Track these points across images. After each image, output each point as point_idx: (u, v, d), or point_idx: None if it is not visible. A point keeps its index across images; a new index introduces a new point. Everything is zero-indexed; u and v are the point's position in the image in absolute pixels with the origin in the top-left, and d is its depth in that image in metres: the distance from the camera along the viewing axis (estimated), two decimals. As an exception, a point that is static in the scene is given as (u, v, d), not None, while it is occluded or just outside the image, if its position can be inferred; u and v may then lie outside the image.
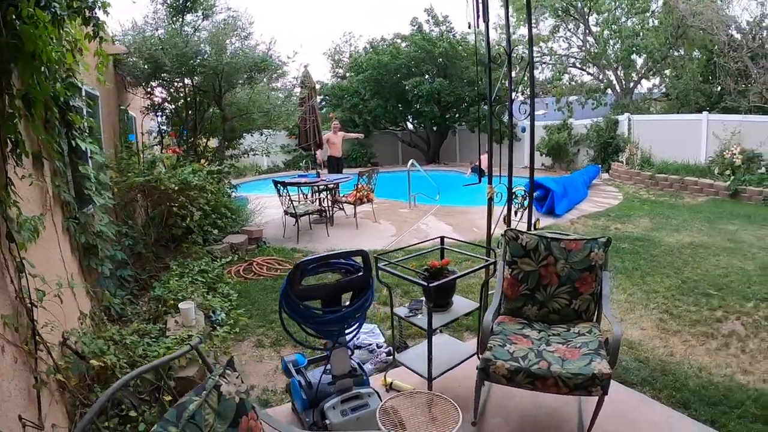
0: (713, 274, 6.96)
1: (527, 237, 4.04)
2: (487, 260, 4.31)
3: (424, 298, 4.09)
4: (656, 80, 25.31)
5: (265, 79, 10.78)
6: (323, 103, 25.57)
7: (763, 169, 13.31)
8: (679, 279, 6.78)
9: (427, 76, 22.67)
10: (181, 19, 9.63)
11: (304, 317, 3.25)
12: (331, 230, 10.41)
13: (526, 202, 9.33)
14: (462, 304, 4.32)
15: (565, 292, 3.88)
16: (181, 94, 9.90)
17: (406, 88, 21.11)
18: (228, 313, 5.70)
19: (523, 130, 19.73)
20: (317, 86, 25.79)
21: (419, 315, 4.02)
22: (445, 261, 4.17)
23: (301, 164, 23.81)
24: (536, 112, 18.07)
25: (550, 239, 4.02)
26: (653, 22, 21.73)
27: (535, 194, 10.49)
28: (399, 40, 23.33)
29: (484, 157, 17.41)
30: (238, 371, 2.15)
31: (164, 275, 6.45)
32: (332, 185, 10.99)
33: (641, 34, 20.74)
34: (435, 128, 25.07)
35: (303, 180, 11.15)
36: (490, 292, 4.34)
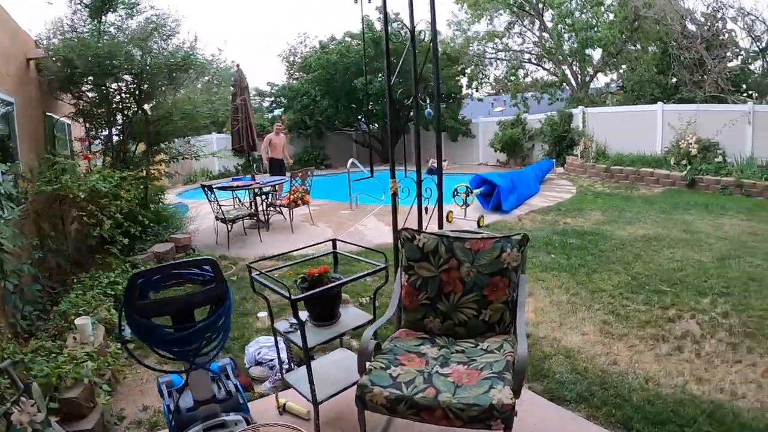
0: (667, 268, 6.36)
1: (425, 237, 3.29)
2: (376, 265, 3.56)
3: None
4: (614, 75, 25.15)
5: (188, 80, 9.87)
6: (274, 105, 24.75)
7: (720, 158, 12.97)
8: (629, 275, 6.14)
9: (380, 75, 21.90)
10: (98, 20, 8.85)
11: (150, 336, 2.81)
12: (266, 235, 9.76)
13: (469, 199, 8.76)
14: (353, 316, 3.64)
15: (471, 301, 3.14)
16: (109, 98, 9.13)
17: (357, 86, 20.29)
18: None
19: (429, 115, 19.04)
20: (272, 89, 25.07)
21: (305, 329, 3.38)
22: (324, 268, 3.49)
23: (237, 167, 23.05)
24: (494, 109, 17.77)
25: (453, 239, 3.27)
26: (608, 16, 21.42)
27: (481, 190, 9.91)
28: (349, 39, 22.51)
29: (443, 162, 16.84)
30: (35, 399, 1.88)
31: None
32: (267, 188, 10.51)
33: (596, 27, 20.33)
34: (393, 127, 24.41)
35: (235, 184, 10.59)
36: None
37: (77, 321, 4.47)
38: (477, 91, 25.48)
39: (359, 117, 23.06)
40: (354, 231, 9.68)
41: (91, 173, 7.31)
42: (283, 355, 3.83)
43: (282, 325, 3.56)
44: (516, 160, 19.38)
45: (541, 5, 23.26)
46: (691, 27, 17.51)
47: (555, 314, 5.15)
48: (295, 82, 24.20)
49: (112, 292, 5.86)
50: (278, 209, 10.47)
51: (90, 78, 8.46)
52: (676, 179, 12.93)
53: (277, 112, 26.06)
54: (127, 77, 8.87)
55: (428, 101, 4.83)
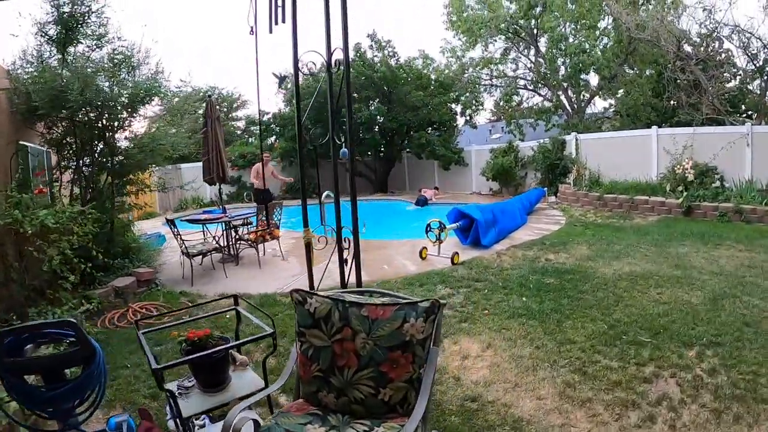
0: (651, 313, 5.69)
1: (317, 301, 2.70)
2: (265, 330, 3.04)
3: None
4: (612, 100, 24.68)
5: (150, 111, 9.52)
6: (266, 133, 24.37)
7: (718, 183, 12.39)
8: (606, 322, 5.47)
9: (372, 104, 21.48)
10: (61, 53, 8.63)
11: (21, 395, 2.82)
12: (233, 270, 9.35)
13: (442, 235, 8.15)
14: (247, 381, 3.27)
15: (367, 378, 2.54)
16: (74, 130, 8.83)
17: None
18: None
19: (344, 154, 18.52)
20: (263, 116, 24.68)
21: (191, 395, 3.23)
22: (205, 331, 3.11)
23: (229, 195, 22.61)
24: (492, 136, 17.23)
25: (349, 304, 2.66)
26: (603, 39, 21.04)
27: (459, 224, 9.31)
28: (340, 67, 22.13)
29: (429, 192, 16.16)
30: None
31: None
32: (237, 221, 10.06)
33: (588, 51, 19.91)
34: (382, 155, 23.92)
35: (204, 217, 10.31)
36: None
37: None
38: (471, 118, 25.01)
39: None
40: (321, 268, 9.07)
41: (50, 206, 7.02)
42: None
43: (173, 386, 3.24)
44: (509, 189, 18.80)
45: (535, 30, 22.88)
46: (687, 48, 17.04)
47: (512, 372, 4.49)
48: (286, 110, 23.76)
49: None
50: (249, 243, 9.94)
51: (45, 111, 8.11)
52: (672, 207, 12.34)
53: (270, 141, 25.71)
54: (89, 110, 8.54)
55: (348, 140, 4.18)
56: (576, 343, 4.95)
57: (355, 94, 20.56)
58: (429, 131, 22.52)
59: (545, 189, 16.01)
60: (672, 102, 17.99)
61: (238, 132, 31.26)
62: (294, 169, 23.65)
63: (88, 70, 8.02)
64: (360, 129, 20.36)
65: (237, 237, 10.00)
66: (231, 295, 3.76)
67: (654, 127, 14.88)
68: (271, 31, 4.05)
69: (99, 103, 8.13)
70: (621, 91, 21.61)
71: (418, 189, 22.86)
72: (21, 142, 8.27)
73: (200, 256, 9.18)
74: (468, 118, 24.81)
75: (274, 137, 24.82)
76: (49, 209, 6.66)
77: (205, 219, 9.94)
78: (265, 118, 24.39)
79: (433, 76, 24.03)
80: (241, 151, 24.03)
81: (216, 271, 9.27)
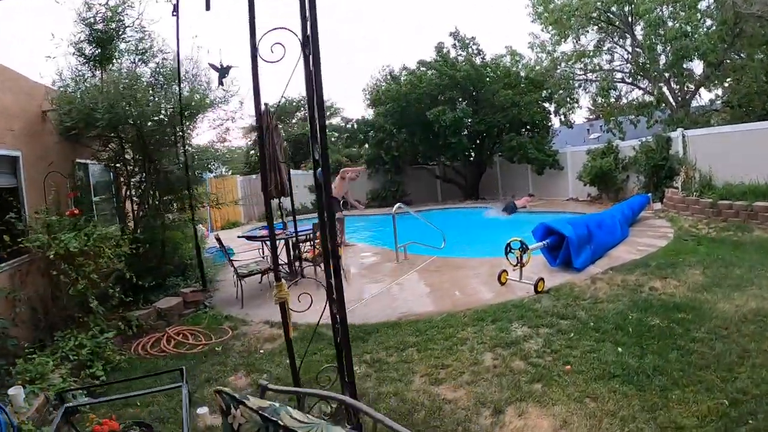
0: (789, 378, 4.51)
1: (244, 415, 1.94)
2: None
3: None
4: (718, 90, 22.51)
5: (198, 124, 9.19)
6: (349, 140, 24.04)
7: None
8: (727, 394, 4.28)
9: (457, 105, 20.55)
10: (101, 70, 8.59)
11: None
12: (293, 291, 8.58)
13: (525, 257, 7.20)
14: None
15: None
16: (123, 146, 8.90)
17: (429, 118, 19.02)
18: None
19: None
20: (346, 124, 24.36)
21: None
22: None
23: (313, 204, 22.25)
24: (590, 136, 16.05)
25: (281, 427, 1.86)
26: (706, 21, 19.04)
27: (547, 242, 8.26)
28: (422, 68, 21.33)
29: (520, 200, 15.16)
30: None
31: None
32: (300, 237, 9.62)
33: (691, 34, 17.99)
34: (472, 160, 22.94)
35: (260, 233, 10.00)
36: None
37: (9, 391, 4.43)
38: (566, 117, 23.51)
39: (437, 150, 21.64)
40: (386, 292, 8.38)
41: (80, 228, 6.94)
42: None
43: None
44: (608, 194, 17.36)
45: (630, 17, 21.11)
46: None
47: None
48: (371, 116, 23.30)
49: (75, 357, 5.69)
50: (311, 261, 9.50)
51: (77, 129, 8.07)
52: (802, 215, 10.69)
53: (354, 149, 25.45)
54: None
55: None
56: (684, 431, 3.89)
57: (440, 97, 19.75)
58: (521, 133, 21.32)
59: (649, 195, 14.55)
60: None
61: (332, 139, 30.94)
62: (381, 176, 23.17)
63: (121, 87, 7.74)
64: (446, 132, 19.45)
65: (297, 255, 9.46)
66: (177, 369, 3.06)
67: (775, 119, 13.08)
68: (208, 8, 3.26)
69: (133, 121, 7.88)
70: (728, 80, 19.57)
71: (510, 195, 21.74)
72: (78, 161, 8.60)
73: (259, 275, 8.86)
74: (563, 117, 23.33)
75: (361, 144, 24.39)
76: (77, 232, 6.65)
77: (262, 235, 9.52)
78: (349, 125, 24.12)
79: (522, 74, 22.78)
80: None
81: (270, 294, 8.70)
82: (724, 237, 10.54)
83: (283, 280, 3.40)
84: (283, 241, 9.59)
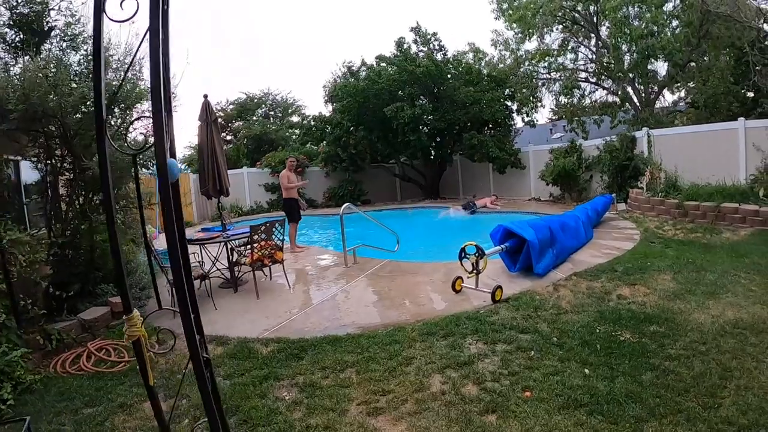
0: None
1: None
2: None
3: None
4: (682, 92, 22.31)
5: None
6: (305, 137, 23.08)
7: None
8: (712, 425, 3.57)
9: (417, 102, 19.75)
10: (31, 57, 7.62)
11: None
12: (228, 299, 8.02)
13: (481, 264, 6.45)
14: None
15: None
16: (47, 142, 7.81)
17: (387, 115, 18.19)
18: None
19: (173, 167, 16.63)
20: (303, 120, 23.34)
21: None
22: None
23: (270, 202, 21.44)
24: (552, 135, 15.42)
25: None
26: (672, 22, 18.70)
27: (507, 245, 7.49)
28: (382, 63, 20.48)
29: (482, 200, 14.43)
30: None
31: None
32: (238, 241, 8.69)
33: (657, 33, 17.59)
34: (432, 159, 22.20)
35: (198, 236, 8.76)
36: None
37: None
38: (528, 116, 22.98)
39: (396, 148, 20.83)
40: (329, 300, 7.52)
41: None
42: None
43: None
44: (572, 195, 16.80)
45: (595, 18, 20.66)
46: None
47: None
48: (327, 112, 22.36)
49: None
50: (251, 266, 8.44)
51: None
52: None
53: (308, 145, 24.43)
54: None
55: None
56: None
57: (399, 93, 18.99)
58: (482, 131, 20.66)
59: (613, 196, 13.99)
60: (754, 90, 15.69)
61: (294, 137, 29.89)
62: (339, 174, 22.29)
63: (39, 75, 6.71)
64: (405, 130, 18.67)
65: (235, 260, 8.55)
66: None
67: (741, 120, 12.69)
68: None
69: (53, 112, 6.88)
70: (691, 83, 19.29)
71: (472, 194, 21.10)
72: (7, 157, 7.52)
73: (198, 281, 7.86)
74: (525, 116, 22.78)
75: (318, 141, 23.42)
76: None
77: (198, 239, 8.48)
78: (305, 121, 23.21)
79: (485, 71, 22.17)
80: (282, 157, 22.76)
81: (210, 300, 7.85)
82: (692, 239, 9.98)
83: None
84: (223, 245, 8.67)
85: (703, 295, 6.48)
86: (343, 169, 21.83)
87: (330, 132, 21.25)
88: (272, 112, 35.31)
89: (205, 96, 8.95)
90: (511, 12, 22.38)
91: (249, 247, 8.25)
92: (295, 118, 34.64)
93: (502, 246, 7.53)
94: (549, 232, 8.08)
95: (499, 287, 6.65)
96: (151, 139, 2.26)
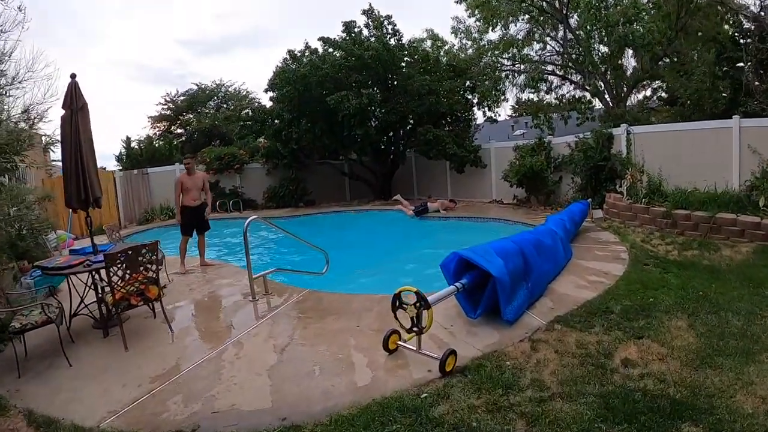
0: None
1: None
2: None
3: None
4: (649, 90, 20.87)
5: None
6: (245, 130, 20.52)
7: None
8: None
9: (364, 91, 17.30)
10: None
11: None
12: (96, 347, 5.86)
13: (424, 321, 4.20)
14: None
15: None
16: None
17: (330, 105, 15.85)
18: None
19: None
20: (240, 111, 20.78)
21: None
22: None
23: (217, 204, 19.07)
24: (514, 132, 13.04)
25: None
26: (649, 12, 16.96)
27: (463, 283, 5.31)
28: (326, 47, 18.02)
29: (438, 202, 12.19)
30: None
31: None
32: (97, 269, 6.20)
33: (635, 21, 15.75)
34: (383, 155, 19.97)
35: (62, 259, 6.48)
36: None
37: None
38: (490, 110, 20.97)
39: (343, 143, 18.55)
40: (210, 362, 5.18)
41: None
42: None
43: None
44: (538, 197, 14.79)
45: (565, 9, 18.76)
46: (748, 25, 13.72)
47: None
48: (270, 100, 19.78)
49: None
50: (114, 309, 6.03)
51: None
52: (771, 230, 8.48)
53: (247, 138, 21.86)
54: None
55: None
56: None
57: (346, 81, 16.69)
58: (439, 125, 18.51)
59: (589, 201, 12.04)
60: (732, 89, 14.33)
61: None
62: (282, 172, 19.91)
63: None
64: (351, 122, 16.34)
65: (100, 298, 6.22)
66: None
67: (735, 118, 10.87)
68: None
69: None
70: (667, 78, 17.72)
71: (427, 195, 19.02)
72: None
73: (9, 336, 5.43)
74: (487, 109, 20.75)
75: (257, 135, 20.88)
76: None
77: (55, 266, 6.11)
78: (243, 112, 20.62)
79: (444, 60, 20.05)
80: (219, 153, 20.27)
81: (73, 348, 5.69)
82: (691, 259, 8.08)
83: None
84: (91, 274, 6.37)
85: (739, 356, 4.50)
86: (284, 166, 19.45)
87: (270, 125, 18.81)
88: (225, 105, 32.85)
89: (73, 76, 6.48)
90: (471, -6, 20.34)
91: (119, 279, 5.90)
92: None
93: (458, 285, 5.24)
94: (522, 259, 5.90)
95: (452, 353, 4.44)
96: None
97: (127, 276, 5.73)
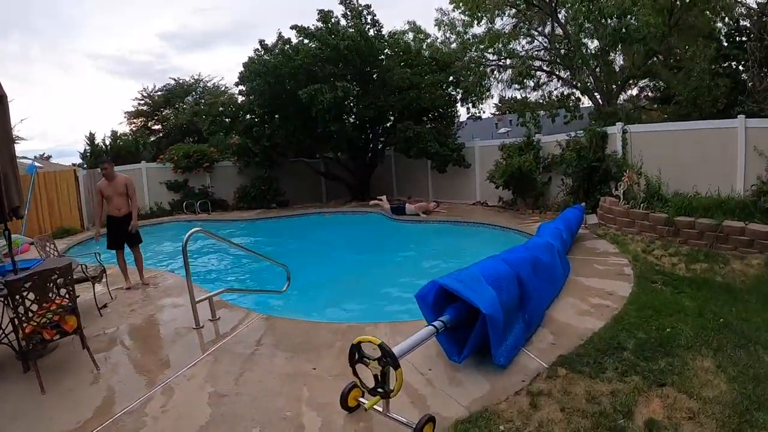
0: None
1: None
2: None
3: None
4: (635, 89, 20.16)
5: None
6: (215, 126, 19.20)
7: None
8: None
9: (339, 84, 16.02)
10: None
11: None
12: (12, 384, 4.81)
13: (391, 381, 3.11)
14: None
15: None
16: None
17: (303, 98, 14.70)
18: None
19: (32, 170, 13.88)
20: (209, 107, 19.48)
21: None
22: None
23: (173, 203, 17.82)
24: (498, 131, 11.67)
25: None
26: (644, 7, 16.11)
27: (444, 320, 4.03)
28: (301, 37, 16.81)
29: (418, 204, 11.14)
30: None
31: None
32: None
33: (632, 14, 14.82)
34: (360, 153, 18.88)
35: None
36: None
37: None
38: (474, 106, 19.97)
39: (317, 141, 17.42)
40: (130, 415, 4.04)
41: None
42: None
43: None
44: (526, 200, 13.79)
45: (553, 2, 17.84)
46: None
47: None
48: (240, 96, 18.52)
49: None
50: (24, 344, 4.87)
51: None
52: (781, 240, 7.61)
53: (218, 136, 20.60)
54: None
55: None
56: None
57: (320, 74, 15.55)
58: (421, 121, 17.44)
59: (583, 206, 11.08)
60: (729, 87, 13.64)
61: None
62: (253, 171, 18.75)
63: None
64: (326, 117, 15.20)
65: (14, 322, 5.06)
66: None
67: (741, 117, 10.05)
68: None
69: None
70: (645, 79, 16.96)
71: (407, 195, 17.99)
72: None
73: None
74: (471, 105, 19.71)
75: (227, 132, 19.65)
76: None
77: None
78: (215, 107, 19.32)
79: (426, 53, 18.98)
80: (187, 150, 19.03)
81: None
82: (701, 275, 7.23)
83: None
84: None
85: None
86: (256, 165, 18.29)
87: (241, 120, 17.62)
88: (203, 100, 31.58)
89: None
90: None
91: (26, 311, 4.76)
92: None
93: (436, 325, 4.08)
94: (518, 285, 4.82)
95: (430, 420, 3.36)
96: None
97: (36, 306, 4.64)
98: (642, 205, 9.97)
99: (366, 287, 8.47)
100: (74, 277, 6.02)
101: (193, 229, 5.88)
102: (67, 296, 4.90)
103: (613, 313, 5.68)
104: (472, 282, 4.35)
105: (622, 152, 11.82)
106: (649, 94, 20.91)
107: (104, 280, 7.56)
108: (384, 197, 16.02)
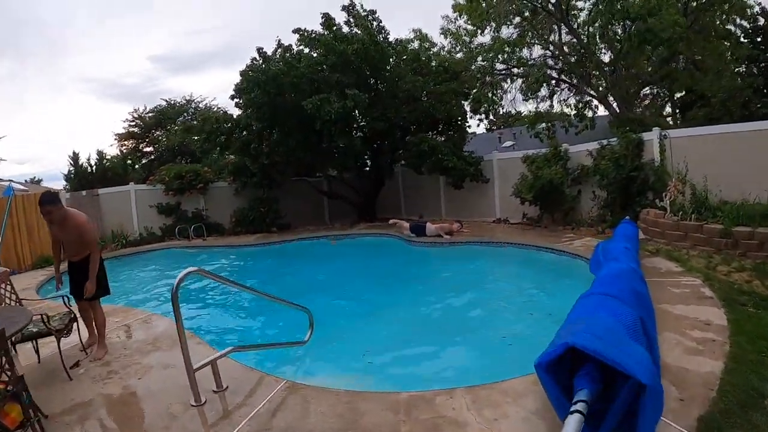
0: None
1: None
2: None
3: None
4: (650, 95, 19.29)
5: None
6: (209, 144, 17.94)
7: None
8: None
9: (348, 93, 14.81)
10: None
11: None
12: None
13: None
14: None
15: None
16: None
17: (307, 110, 13.54)
18: None
19: (9, 193, 12.60)
20: (203, 123, 18.18)
21: None
22: None
23: (164, 227, 16.53)
24: (502, 144, 10.35)
25: None
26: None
27: (584, 397, 2.83)
28: (305, 48, 15.74)
29: (440, 224, 9.96)
30: None
31: None
32: None
33: (658, 13, 13.86)
34: (367, 170, 17.76)
35: None
36: None
37: None
38: (487, 117, 18.99)
39: (321, 158, 16.25)
40: None
41: None
42: None
43: None
44: (554, 216, 12.67)
45: (564, 7, 16.95)
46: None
47: None
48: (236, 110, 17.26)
49: None
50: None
51: None
52: None
53: (211, 152, 19.42)
54: None
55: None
56: None
57: (321, 86, 14.46)
58: (435, 133, 16.34)
59: (629, 219, 10.03)
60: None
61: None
62: (250, 192, 17.54)
63: None
64: (332, 131, 14.05)
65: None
66: None
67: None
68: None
69: None
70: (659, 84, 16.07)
71: (418, 215, 16.84)
72: None
73: None
74: (484, 116, 18.69)
75: (222, 149, 18.36)
76: None
77: None
78: (207, 123, 18.04)
79: (433, 63, 17.99)
80: (179, 171, 17.79)
81: None
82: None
83: None
84: None
85: None
86: (254, 185, 17.08)
87: (237, 137, 16.43)
88: (195, 122, 30.64)
89: None
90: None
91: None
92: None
93: (579, 408, 2.64)
94: (643, 329, 3.54)
95: None
96: None
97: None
98: (692, 215, 8.93)
99: (411, 333, 6.77)
100: (33, 331, 4.83)
101: (186, 270, 4.40)
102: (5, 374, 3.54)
103: (724, 348, 4.57)
104: (612, 337, 3.08)
105: (659, 160, 10.78)
106: (664, 101, 20.08)
107: (76, 328, 5.99)
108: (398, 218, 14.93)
